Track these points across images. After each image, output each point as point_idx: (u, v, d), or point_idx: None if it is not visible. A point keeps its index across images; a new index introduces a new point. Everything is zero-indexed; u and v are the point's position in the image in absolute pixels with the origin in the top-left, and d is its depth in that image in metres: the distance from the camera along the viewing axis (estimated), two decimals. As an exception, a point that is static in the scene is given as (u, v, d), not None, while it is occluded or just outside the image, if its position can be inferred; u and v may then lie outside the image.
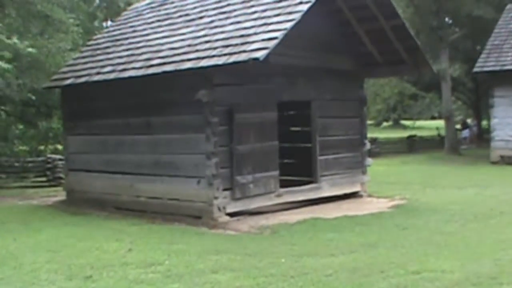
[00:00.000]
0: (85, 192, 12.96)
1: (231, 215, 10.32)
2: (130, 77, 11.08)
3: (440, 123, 46.08)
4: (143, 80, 11.05)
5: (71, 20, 18.48)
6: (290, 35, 10.39)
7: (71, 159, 13.46)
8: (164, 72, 10.37)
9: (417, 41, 12.04)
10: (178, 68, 10.14)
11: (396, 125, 54.50)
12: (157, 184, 11.20)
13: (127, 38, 13.05)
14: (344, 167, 12.55)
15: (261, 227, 9.68)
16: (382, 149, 28.85)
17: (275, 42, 9.19)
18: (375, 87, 32.13)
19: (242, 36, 9.90)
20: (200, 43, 10.52)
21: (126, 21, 14.30)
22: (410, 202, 12.32)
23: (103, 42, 13.78)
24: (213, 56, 9.76)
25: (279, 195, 11.11)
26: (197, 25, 11.44)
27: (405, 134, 33.99)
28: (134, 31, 13.25)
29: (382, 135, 35.39)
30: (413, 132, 35.99)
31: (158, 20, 12.91)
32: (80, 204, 12.93)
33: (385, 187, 15.23)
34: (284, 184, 11.83)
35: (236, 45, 9.67)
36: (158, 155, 11.16)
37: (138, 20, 13.76)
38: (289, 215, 10.82)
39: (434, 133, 34.86)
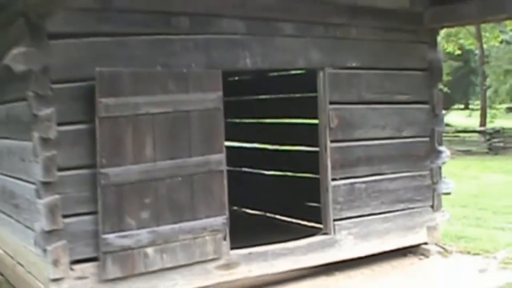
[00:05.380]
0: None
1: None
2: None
3: None
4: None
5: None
6: None
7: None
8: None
9: None
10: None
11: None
12: (7, 231, 5.97)
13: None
14: (391, 199, 6.44)
15: None
16: (509, 143, 21.43)
17: None
18: (502, 61, 24.40)
19: None
20: None
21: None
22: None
23: None
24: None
25: (228, 266, 5.37)
26: None
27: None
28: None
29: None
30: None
31: None
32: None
33: (488, 221, 8.80)
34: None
35: None
36: (3, 176, 5.90)
37: None
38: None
39: None
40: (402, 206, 6.55)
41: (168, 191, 4.96)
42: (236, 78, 9.61)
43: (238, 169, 9.72)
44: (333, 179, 6.04)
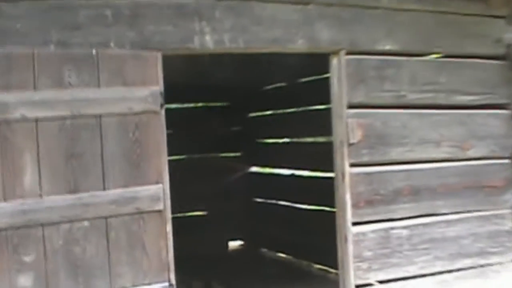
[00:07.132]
0: None
1: None
2: None
3: None
4: None
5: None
6: None
7: None
8: None
9: None
10: None
11: None
12: None
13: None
14: (451, 252, 4.28)
15: None
16: None
17: None
18: None
19: None
20: None
21: None
22: None
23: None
24: None
25: None
26: None
27: None
28: None
29: None
30: None
31: None
32: None
33: None
34: None
35: None
36: None
37: None
38: None
39: None
40: (468, 262, 4.37)
41: (65, 243, 3.10)
42: (275, 86, 7.67)
43: (269, 201, 7.89)
44: (356, 223, 3.97)
